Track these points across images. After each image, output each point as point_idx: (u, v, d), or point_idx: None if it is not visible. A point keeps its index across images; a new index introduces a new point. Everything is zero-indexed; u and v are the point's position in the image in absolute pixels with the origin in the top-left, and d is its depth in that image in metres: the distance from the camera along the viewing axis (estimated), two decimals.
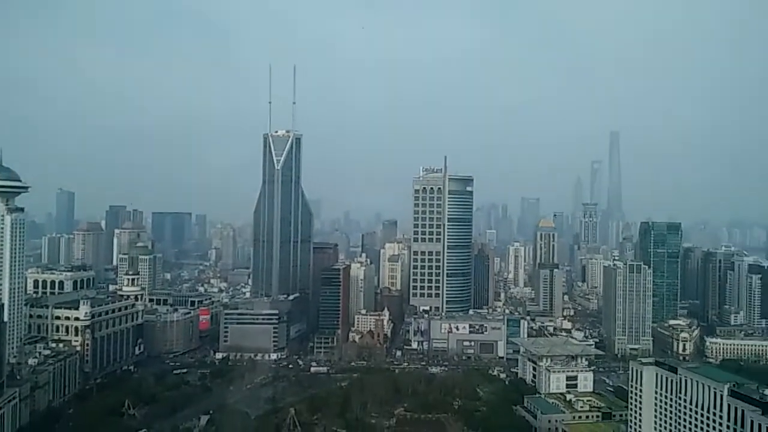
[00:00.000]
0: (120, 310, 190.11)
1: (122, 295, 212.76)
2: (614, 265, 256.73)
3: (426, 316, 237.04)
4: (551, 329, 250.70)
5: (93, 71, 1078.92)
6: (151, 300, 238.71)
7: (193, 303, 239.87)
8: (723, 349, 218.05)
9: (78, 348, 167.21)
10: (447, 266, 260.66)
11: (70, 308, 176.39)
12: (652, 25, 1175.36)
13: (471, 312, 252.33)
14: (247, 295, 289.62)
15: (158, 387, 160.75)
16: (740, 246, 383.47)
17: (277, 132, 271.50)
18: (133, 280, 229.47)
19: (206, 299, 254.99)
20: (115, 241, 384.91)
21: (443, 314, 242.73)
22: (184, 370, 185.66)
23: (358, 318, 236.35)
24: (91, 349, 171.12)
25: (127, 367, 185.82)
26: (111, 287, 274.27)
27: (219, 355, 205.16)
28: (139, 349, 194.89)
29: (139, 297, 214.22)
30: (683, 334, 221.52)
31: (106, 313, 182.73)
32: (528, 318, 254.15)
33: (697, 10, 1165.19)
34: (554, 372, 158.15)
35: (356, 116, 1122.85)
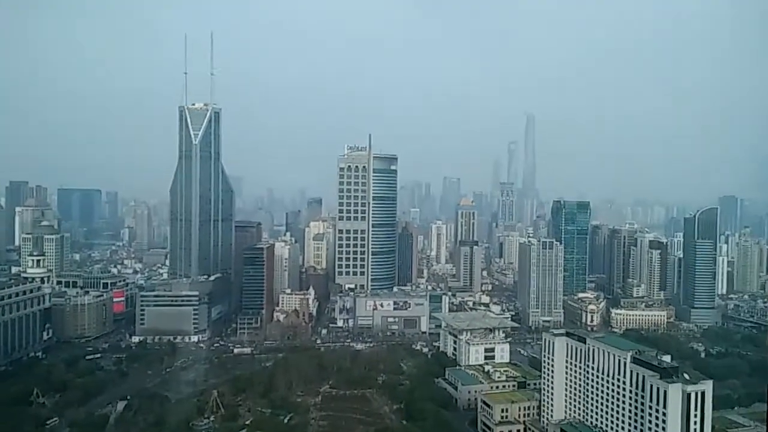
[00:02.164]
0: (24, 293, 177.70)
1: (26, 278, 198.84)
2: (529, 241, 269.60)
3: (351, 294, 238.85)
4: (471, 304, 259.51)
5: None
6: (59, 282, 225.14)
7: (105, 285, 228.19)
8: (626, 319, 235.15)
9: None
10: (372, 244, 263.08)
11: None
12: (567, 9, 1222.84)
13: (395, 289, 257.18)
14: (165, 276, 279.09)
15: (69, 373, 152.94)
16: (642, 224, 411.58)
17: (194, 105, 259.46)
18: (38, 261, 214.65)
19: (120, 281, 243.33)
20: (17, 219, 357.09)
21: (368, 292, 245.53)
22: (98, 355, 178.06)
23: (282, 297, 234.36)
24: None
25: (35, 354, 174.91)
26: (14, 269, 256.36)
27: (135, 339, 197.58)
28: (48, 334, 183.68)
29: (45, 279, 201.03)
30: (591, 307, 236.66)
31: (9, 296, 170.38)
32: (449, 293, 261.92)
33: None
34: (473, 345, 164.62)
35: (280, 92, 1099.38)
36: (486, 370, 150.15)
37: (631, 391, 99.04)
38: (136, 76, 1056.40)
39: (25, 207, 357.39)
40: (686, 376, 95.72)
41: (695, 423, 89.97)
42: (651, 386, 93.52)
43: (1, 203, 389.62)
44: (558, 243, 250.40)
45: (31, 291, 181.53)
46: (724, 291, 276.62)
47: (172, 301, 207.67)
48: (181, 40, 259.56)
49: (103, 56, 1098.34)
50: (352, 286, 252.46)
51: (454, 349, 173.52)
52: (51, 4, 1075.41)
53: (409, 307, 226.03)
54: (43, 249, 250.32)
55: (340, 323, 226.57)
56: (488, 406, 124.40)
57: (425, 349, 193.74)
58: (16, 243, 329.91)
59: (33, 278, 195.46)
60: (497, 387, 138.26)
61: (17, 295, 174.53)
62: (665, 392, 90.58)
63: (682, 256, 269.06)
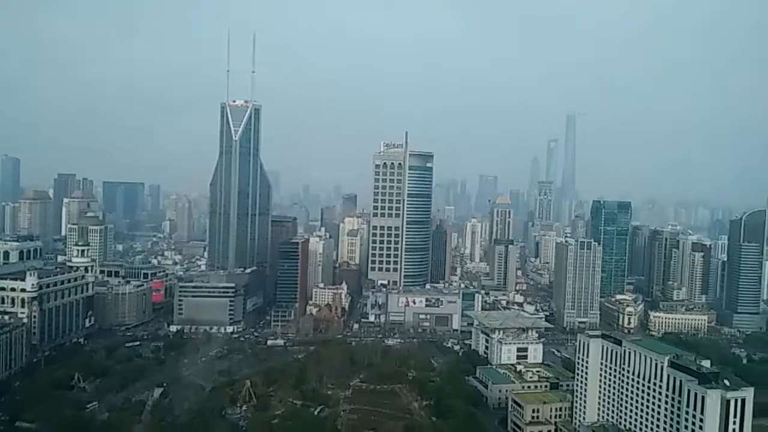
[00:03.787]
0: (69, 281, 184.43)
1: (71, 267, 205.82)
2: (566, 241, 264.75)
3: (384, 289, 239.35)
4: (504, 303, 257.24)
5: (41, 34, 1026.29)
6: (102, 272, 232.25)
7: (146, 275, 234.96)
8: (665, 322, 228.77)
9: (25, 320, 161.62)
10: (405, 241, 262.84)
11: (15, 279, 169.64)
12: (613, 11, 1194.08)
13: (428, 286, 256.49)
14: (203, 267, 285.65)
15: (109, 360, 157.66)
16: (685, 225, 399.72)
17: (235, 102, 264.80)
18: (83, 251, 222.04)
19: (160, 271, 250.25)
20: (64, 210, 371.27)
21: (401, 288, 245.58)
22: (137, 343, 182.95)
23: (315, 291, 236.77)
24: (38, 321, 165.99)
25: (77, 340, 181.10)
26: (60, 258, 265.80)
27: (173, 328, 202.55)
28: (90, 321, 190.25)
29: (89, 268, 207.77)
30: (629, 309, 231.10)
31: (54, 284, 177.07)
32: (482, 292, 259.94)
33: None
34: (506, 344, 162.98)
35: (317, 90, 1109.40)
36: (518, 369, 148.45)
37: (667, 396, 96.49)
38: (181, 74, 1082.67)
39: (72, 199, 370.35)
40: (726, 382, 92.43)
41: (734, 430, 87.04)
42: (689, 391, 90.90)
43: (50, 195, 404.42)
44: (596, 243, 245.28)
45: (76, 279, 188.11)
46: None
47: (209, 292, 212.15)
48: (224, 39, 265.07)
49: (149, 53, 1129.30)
50: (385, 282, 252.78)
51: (486, 347, 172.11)
52: (102, 4, 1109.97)
53: (442, 304, 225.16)
54: (88, 239, 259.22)
55: (371, 318, 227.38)
56: (519, 405, 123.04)
57: (456, 347, 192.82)
58: (63, 233, 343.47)
59: (77, 267, 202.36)
60: (529, 387, 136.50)
61: (62, 283, 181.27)
62: (703, 398, 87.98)
63: (726, 259, 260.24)
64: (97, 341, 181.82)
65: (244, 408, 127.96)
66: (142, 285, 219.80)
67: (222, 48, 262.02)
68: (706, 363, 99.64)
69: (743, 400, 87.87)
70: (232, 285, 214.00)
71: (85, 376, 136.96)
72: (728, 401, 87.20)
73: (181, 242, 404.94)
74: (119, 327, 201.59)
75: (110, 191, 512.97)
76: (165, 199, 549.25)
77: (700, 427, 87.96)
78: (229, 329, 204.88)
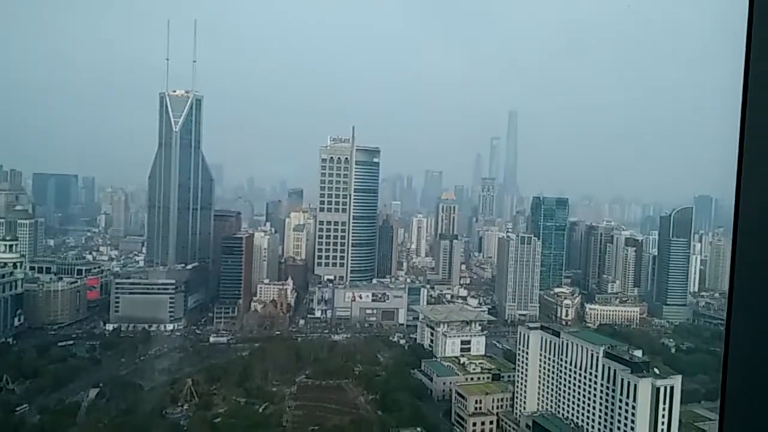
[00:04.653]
0: None
1: None
2: (508, 236, 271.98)
3: (330, 285, 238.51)
4: (449, 297, 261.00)
5: None
6: (32, 268, 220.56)
7: (80, 271, 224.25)
8: (600, 314, 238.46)
9: None
10: (352, 236, 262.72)
11: None
12: (553, 6, 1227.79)
13: (374, 281, 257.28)
14: (141, 263, 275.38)
15: (41, 360, 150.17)
16: (619, 221, 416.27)
17: (175, 92, 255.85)
18: (11, 246, 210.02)
19: (95, 267, 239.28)
20: None
21: (347, 283, 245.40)
22: (70, 342, 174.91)
23: (260, 287, 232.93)
24: None
25: (5, 340, 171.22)
26: None
27: (109, 327, 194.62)
28: (19, 320, 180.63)
29: (18, 265, 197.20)
30: (566, 301, 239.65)
31: None
32: (428, 286, 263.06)
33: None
34: (450, 337, 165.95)
35: (261, 81, 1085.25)
36: (462, 362, 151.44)
37: (602, 385, 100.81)
38: (116, 61, 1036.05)
39: None
40: (656, 370, 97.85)
41: (663, 416, 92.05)
42: (622, 380, 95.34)
43: None
44: (536, 238, 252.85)
45: (3, 276, 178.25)
46: (697, 289, 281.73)
47: (147, 289, 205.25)
48: (163, 26, 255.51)
49: (81, 40, 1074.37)
50: (332, 277, 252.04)
51: (431, 341, 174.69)
52: None
53: (388, 299, 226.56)
54: (17, 234, 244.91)
55: (318, 314, 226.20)
56: (462, 397, 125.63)
57: (402, 341, 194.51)
58: None
59: (5, 263, 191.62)
60: (472, 379, 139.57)
61: None
62: (635, 386, 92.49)
63: (656, 253, 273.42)
64: (27, 341, 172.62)
65: (185, 407, 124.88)
66: (76, 282, 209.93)
67: (162, 36, 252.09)
68: (638, 353, 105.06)
69: (672, 388, 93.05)
70: (173, 281, 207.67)
71: (14, 378, 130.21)
72: (658, 389, 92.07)
73: (118, 237, 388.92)
74: (51, 326, 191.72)
75: (40, 183, 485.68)
76: (100, 192, 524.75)
77: (633, 414, 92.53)
78: (170, 327, 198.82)
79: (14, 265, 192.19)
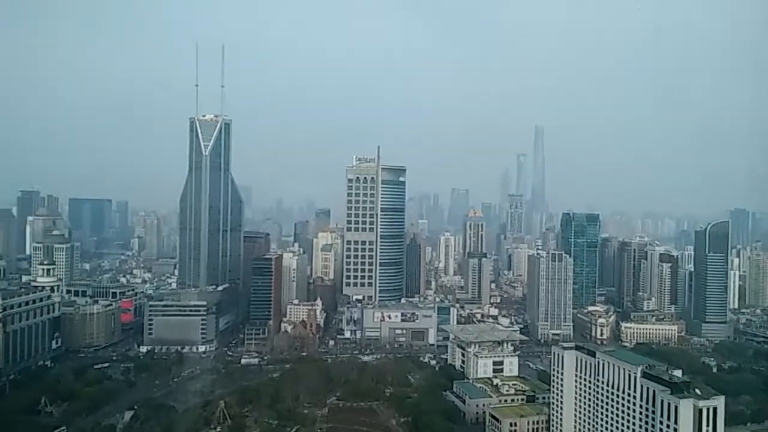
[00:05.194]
0: (34, 302, 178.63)
1: (37, 287, 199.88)
2: (538, 254, 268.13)
3: (359, 305, 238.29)
4: (479, 316, 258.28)
5: (1, 49, 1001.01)
6: (68, 291, 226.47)
7: (114, 294, 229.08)
8: (637, 333, 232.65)
9: None
10: (380, 256, 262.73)
11: None
12: (576, 23, 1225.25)
13: (403, 300, 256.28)
14: (174, 285, 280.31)
15: (77, 383, 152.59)
16: (653, 236, 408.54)
17: (204, 116, 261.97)
18: (48, 270, 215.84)
19: (129, 290, 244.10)
20: (28, 228, 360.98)
21: (376, 303, 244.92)
22: (106, 365, 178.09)
23: (290, 308, 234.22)
24: (2, 343, 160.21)
25: (44, 363, 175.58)
26: (24, 278, 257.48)
27: (143, 349, 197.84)
28: (57, 343, 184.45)
29: (55, 288, 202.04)
30: (601, 320, 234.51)
31: (19, 305, 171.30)
32: (457, 305, 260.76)
33: (616, 10, 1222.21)
34: (482, 357, 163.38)
35: (290, 103, 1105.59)
36: (494, 383, 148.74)
37: (641, 407, 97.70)
38: (148, 88, 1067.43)
39: (37, 216, 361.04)
40: (698, 391, 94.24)
41: None
42: (662, 401, 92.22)
43: (13, 212, 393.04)
44: (567, 255, 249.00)
45: (41, 300, 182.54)
46: (736, 305, 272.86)
47: (180, 310, 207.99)
48: (192, 52, 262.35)
49: (115, 67, 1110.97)
50: (360, 297, 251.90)
51: (462, 361, 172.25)
52: (62, 13, 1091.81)
53: (417, 319, 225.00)
54: (54, 258, 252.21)
55: (347, 334, 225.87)
56: (497, 419, 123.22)
57: (433, 362, 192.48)
58: (27, 252, 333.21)
59: (43, 287, 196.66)
60: (506, 401, 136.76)
61: (27, 303, 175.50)
62: (676, 408, 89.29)
63: (693, 269, 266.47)
64: (64, 363, 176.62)
65: (218, 429, 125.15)
66: (111, 304, 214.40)
67: (191, 62, 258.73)
68: (678, 373, 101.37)
69: (715, 409, 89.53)
70: (204, 303, 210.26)
71: (52, 400, 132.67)
72: (700, 410, 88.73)
73: (151, 260, 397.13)
74: (87, 348, 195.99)
75: (76, 208, 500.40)
76: (133, 216, 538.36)
77: None
78: (202, 348, 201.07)
79: (52, 289, 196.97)
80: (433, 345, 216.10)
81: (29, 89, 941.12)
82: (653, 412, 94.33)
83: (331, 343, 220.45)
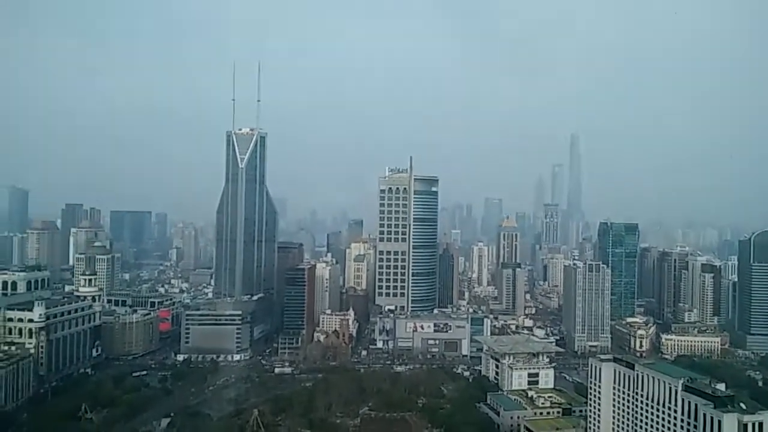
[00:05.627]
0: (76, 311, 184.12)
1: (79, 296, 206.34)
2: (574, 264, 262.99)
3: (391, 315, 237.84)
4: (513, 327, 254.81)
5: (46, 65, 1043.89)
6: (109, 301, 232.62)
7: (153, 304, 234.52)
8: (678, 345, 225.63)
9: (32, 351, 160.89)
10: (412, 266, 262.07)
11: (23, 310, 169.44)
12: (612, 30, 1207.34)
13: (436, 311, 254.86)
14: (210, 295, 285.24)
15: (117, 390, 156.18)
16: (694, 246, 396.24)
17: (240, 130, 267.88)
18: (90, 280, 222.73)
19: (167, 300, 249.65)
20: (72, 240, 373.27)
21: (408, 313, 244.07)
22: (144, 372, 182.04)
23: (323, 318, 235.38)
24: (45, 351, 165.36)
25: (85, 370, 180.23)
26: (67, 288, 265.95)
27: (180, 357, 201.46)
28: (97, 351, 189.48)
29: (96, 298, 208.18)
30: (640, 332, 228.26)
31: (62, 314, 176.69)
32: (491, 316, 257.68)
33: (656, 15, 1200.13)
34: (516, 369, 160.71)
35: (322, 116, 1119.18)
36: (529, 395, 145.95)
37: (682, 421, 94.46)
38: (187, 103, 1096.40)
39: (79, 228, 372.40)
40: (743, 405, 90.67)
41: None
42: (704, 416, 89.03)
43: (57, 225, 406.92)
44: (605, 266, 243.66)
45: (83, 309, 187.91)
46: None
47: (216, 320, 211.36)
48: (230, 67, 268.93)
49: (156, 85, 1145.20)
50: (393, 307, 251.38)
51: (496, 373, 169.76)
52: (104, 29, 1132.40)
53: (450, 329, 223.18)
54: (95, 269, 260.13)
55: (380, 344, 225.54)
56: None
57: (466, 373, 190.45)
58: (70, 263, 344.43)
59: (85, 297, 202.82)
60: (541, 413, 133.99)
61: (70, 312, 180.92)
62: (720, 422, 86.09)
63: (737, 280, 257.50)
64: (104, 371, 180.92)
65: None
66: (149, 314, 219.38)
67: (227, 76, 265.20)
68: (721, 386, 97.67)
69: (761, 424, 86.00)
70: (239, 312, 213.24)
71: (92, 407, 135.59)
72: (746, 425, 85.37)
73: (188, 270, 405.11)
74: (126, 356, 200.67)
75: (117, 220, 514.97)
76: (172, 228, 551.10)
77: None
78: (237, 357, 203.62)
79: (93, 299, 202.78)
80: (466, 356, 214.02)
81: (75, 107, 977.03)
82: (695, 427, 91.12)
83: (364, 353, 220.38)
